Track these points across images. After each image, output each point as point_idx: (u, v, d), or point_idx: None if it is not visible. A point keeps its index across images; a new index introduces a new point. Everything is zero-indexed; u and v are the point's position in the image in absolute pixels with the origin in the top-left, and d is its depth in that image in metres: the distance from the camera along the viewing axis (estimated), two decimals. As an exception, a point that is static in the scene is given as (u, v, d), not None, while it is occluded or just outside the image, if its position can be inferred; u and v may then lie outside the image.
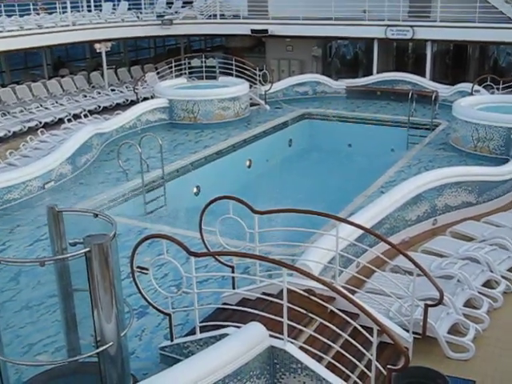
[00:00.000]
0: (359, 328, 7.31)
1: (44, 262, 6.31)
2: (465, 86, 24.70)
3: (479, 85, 23.92)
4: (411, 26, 28.68)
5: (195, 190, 18.23)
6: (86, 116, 24.33)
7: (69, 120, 23.28)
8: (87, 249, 6.12)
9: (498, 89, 23.54)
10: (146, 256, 8.59)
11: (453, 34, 28.10)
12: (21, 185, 15.15)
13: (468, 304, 9.95)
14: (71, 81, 31.00)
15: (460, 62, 33.16)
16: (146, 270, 7.84)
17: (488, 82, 23.90)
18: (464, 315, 9.54)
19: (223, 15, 34.31)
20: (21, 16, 29.93)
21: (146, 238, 7.95)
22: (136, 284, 7.85)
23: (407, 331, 8.64)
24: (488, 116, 18.29)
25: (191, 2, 37.34)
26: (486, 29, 27.17)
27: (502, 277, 10.90)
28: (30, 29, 28.08)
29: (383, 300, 9.28)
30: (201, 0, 36.89)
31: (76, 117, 24.48)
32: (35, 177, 15.51)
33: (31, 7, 30.94)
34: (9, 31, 26.77)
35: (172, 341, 8.23)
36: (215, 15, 33.93)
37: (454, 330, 9.28)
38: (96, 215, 6.88)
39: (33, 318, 9.86)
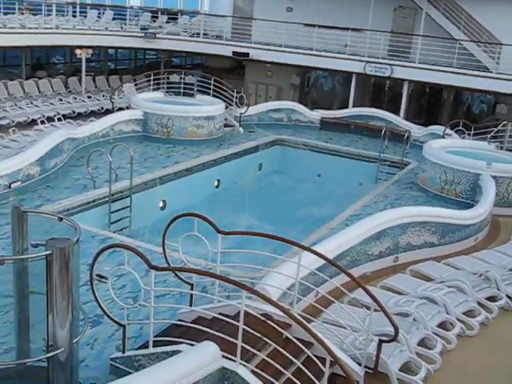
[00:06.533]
0: (312, 357, 7.31)
1: (3, 261, 6.23)
2: (437, 129, 25.09)
3: (451, 129, 24.26)
4: (390, 65, 29.14)
5: (161, 204, 18.17)
6: (59, 120, 24.15)
7: (42, 122, 23.11)
8: (49, 251, 6.03)
9: (469, 134, 23.87)
10: (106, 265, 8.52)
11: (430, 76, 28.59)
12: (-14, 181, 14.97)
13: (422, 343, 9.99)
14: (48, 83, 30.87)
15: (434, 105, 33.70)
16: (106, 278, 7.75)
17: (460, 127, 24.22)
18: (417, 354, 9.58)
19: (206, 34, 34.49)
20: (5, 14, 29.84)
21: (109, 247, 7.91)
22: (93, 292, 7.77)
23: (359, 365, 8.66)
24: (458, 160, 18.53)
25: (176, 19, 37.52)
26: (462, 75, 27.73)
27: (458, 319, 10.99)
28: (12, 27, 27.99)
29: (338, 331, 9.30)
30: (185, 17, 37.11)
31: (49, 119, 24.32)
32: (2, 175, 15.25)
33: (16, 6, 30.85)
34: (-9, 28, 26.69)
35: (124, 353, 8.11)
36: (198, 34, 34.08)
37: (406, 367, 9.31)
38: (61, 219, 6.80)
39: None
